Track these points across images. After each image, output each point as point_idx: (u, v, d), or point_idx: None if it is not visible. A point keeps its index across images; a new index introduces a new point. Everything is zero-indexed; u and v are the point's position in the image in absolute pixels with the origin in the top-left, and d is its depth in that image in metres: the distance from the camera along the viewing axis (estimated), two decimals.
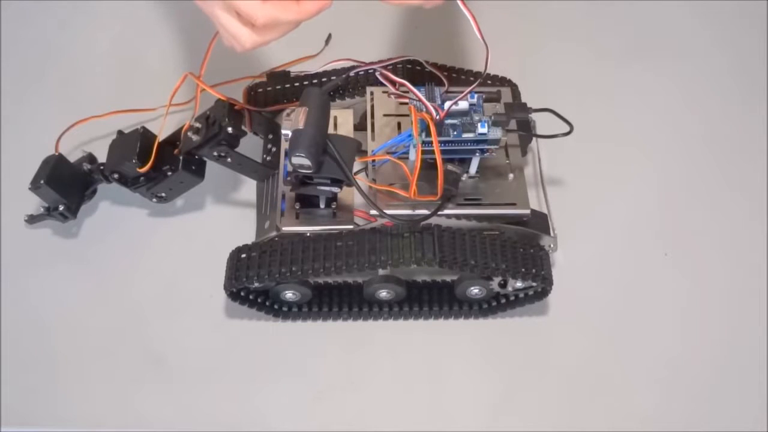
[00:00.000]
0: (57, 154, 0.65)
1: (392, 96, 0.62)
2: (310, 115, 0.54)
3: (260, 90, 0.68)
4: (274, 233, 0.60)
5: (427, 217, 0.58)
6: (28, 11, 0.84)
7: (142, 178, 0.64)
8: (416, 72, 0.66)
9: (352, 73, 0.65)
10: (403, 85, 0.61)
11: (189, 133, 0.61)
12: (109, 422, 0.59)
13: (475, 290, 0.62)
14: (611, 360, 0.63)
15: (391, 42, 0.80)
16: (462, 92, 0.59)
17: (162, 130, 0.64)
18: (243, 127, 0.62)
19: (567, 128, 0.61)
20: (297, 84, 0.68)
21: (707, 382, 0.62)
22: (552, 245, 0.62)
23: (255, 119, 0.65)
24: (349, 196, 0.61)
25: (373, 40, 0.75)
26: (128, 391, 0.60)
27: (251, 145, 0.71)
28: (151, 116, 0.70)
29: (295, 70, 0.70)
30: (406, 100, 0.61)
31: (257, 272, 0.58)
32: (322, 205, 0.61)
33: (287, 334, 0.63)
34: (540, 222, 0.62)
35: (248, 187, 0.69)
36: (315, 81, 0.68)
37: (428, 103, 0.58)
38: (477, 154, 0.60)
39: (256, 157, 0.66)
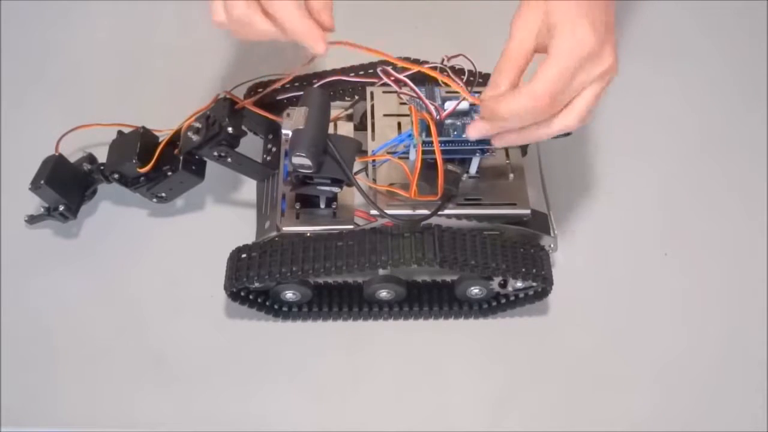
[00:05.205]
0: (57, 154, 0.65)
1: (399, 93, 0.62)
2: (310, 115, 0.54)
3: (260, 90, 0.68)
4: (274, 233, 0.60)
5: (427, 217, 0.58)
6: (28, 11, 0.84)
7: (142, 178, 0.64)
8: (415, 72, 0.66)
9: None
10: (405, 84, 0.61)
11: (189, 133, 0.61)
12: (109, 422, 0.59)
13: (475, 290, 0.62)
14: (611, 360, 0.63)
15: (391, 42, 0.80)
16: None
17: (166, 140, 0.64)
18: (243, 127, 0.62)
19: None
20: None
21: (707, 382, 0.62)
22: (552, 245, 0.62)
23: (255, 119, 0.65)
24: (349, 196, 0.61)
25: (374, 40, 0.74)
26: (128, 391, 0.60)
27: (251, 145, 0.71)
28: (151, 116, 0.70)
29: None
30: (407, 97, 0.60)
31: (257, 272, 0.57)
32: (322, 205, 0.61)
33: (287, 334, 0.63)
34: (540, 222, 0.62)
35: (248, 187, 0.69)
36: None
37: (429, 103, 0.58)
38: (477, 154, 0.60)
39: (256, 157, 0.66)
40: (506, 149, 0.63)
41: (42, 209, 0.65)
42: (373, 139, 0.63)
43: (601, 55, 0.48)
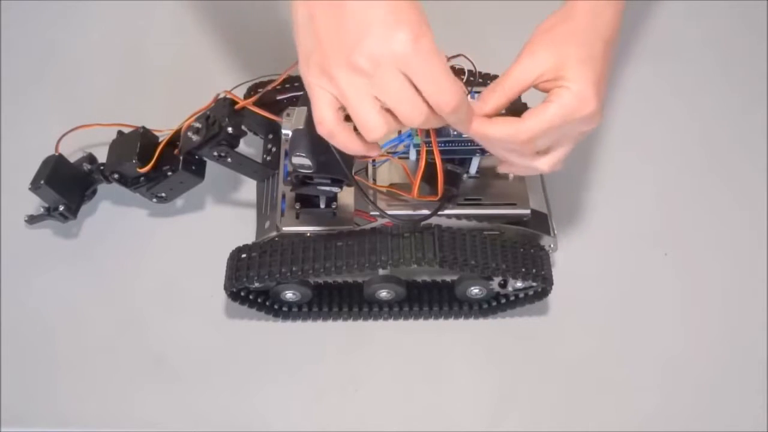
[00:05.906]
0: (57, 154, 0.65)
1: None
2: (310, 115, 0.54)
3: (260, 90, 0.68)
4: (274, 233, 0.60)
5: (427, 217, 0.58)
6: (28, 11, 0.84)
7: (142, 178, 0.64)
8: None
9: None
10: None
11: (189, 133, 0.61)
12: (109, 422, 0.59)
13: (475, 290, 0.62)
14: (611, 360, 0.63)
15: None
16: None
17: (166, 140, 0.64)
18: (243, 127, 0.62)
19: None
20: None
21: (707, 382, 0.62)
22: (552, 245, 0.62)
23: (255, 119, 0.65)
24: (349, 196, 0.61)
25: None
26: (128, 391, 0.60)
27: (251, 145, 0.71)
28: (151, 116, 0.70)
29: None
30: None
31: (257, 272, 0.57)
32: (322, 205, 0.61)
33: (287, 334, 0.63)
34: (540, 222, 0.62)
35: (248, 187, 0.69)
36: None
37: None
38: (477, 154, 0.60)
39: (256, 157, 0.66)
40: None
41: (42, 209, 0.65)
42: None
43: (594, 117, 0.50)
